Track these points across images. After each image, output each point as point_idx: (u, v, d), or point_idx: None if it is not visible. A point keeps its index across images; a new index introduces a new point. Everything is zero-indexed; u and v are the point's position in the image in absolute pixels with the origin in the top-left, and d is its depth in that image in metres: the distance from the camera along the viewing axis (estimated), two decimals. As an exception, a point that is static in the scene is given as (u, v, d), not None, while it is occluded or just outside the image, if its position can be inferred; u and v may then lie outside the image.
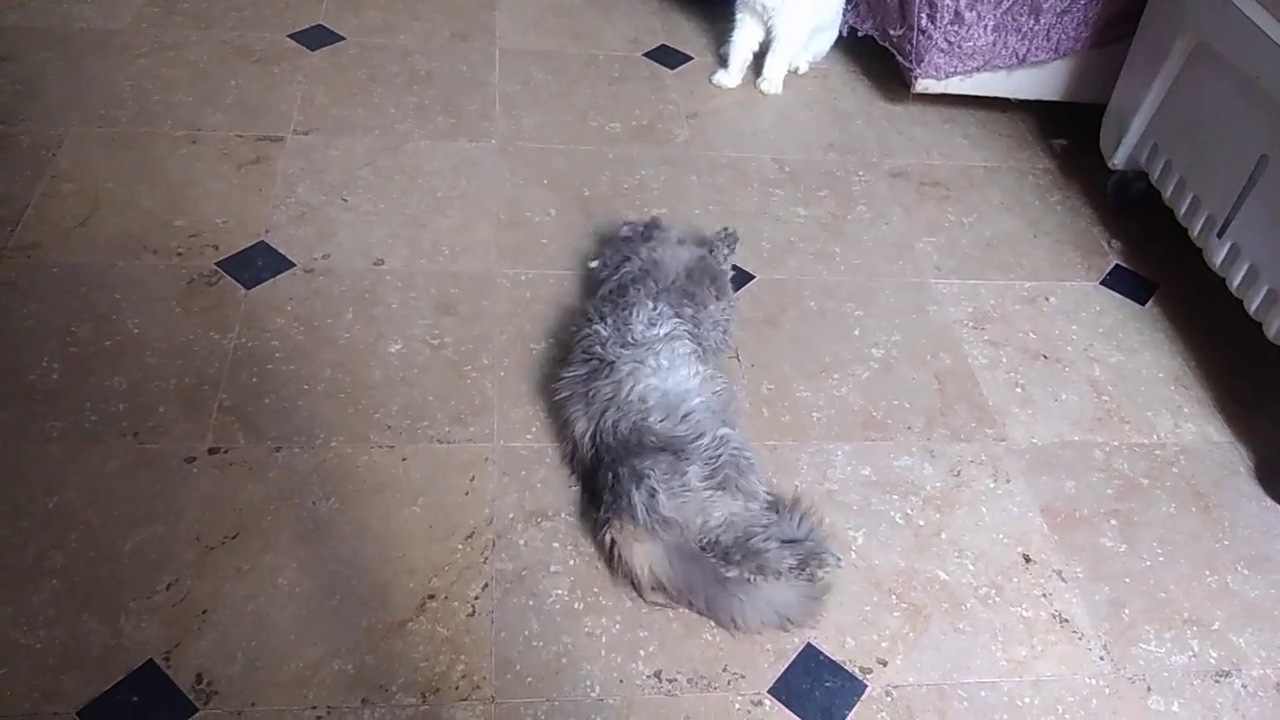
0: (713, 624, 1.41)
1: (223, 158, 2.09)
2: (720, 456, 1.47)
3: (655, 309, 1.65)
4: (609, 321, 1.63)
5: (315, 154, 2.14)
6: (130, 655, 1.29)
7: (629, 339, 1.60)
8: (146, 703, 1.25)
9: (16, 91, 2.19)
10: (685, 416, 1.51)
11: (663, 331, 1.62)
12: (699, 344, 1.64)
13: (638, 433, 1.48)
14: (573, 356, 1.63)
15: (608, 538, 1.42)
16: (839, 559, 1.44)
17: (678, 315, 1.65)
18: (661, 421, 1.49)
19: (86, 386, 1.61)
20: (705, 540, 1.42)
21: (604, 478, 1.47)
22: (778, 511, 1.50)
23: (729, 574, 1.40)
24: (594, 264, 1.86)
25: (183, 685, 1.27)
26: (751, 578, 1.40)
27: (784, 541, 1.42)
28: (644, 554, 1.40)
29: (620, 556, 1.41)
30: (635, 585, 1.42)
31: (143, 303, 1.76)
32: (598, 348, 1.60)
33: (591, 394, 1.55)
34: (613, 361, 1.57)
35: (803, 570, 1.41)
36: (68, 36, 2.38)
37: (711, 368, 1.64)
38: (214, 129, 2.17)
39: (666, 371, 1.57)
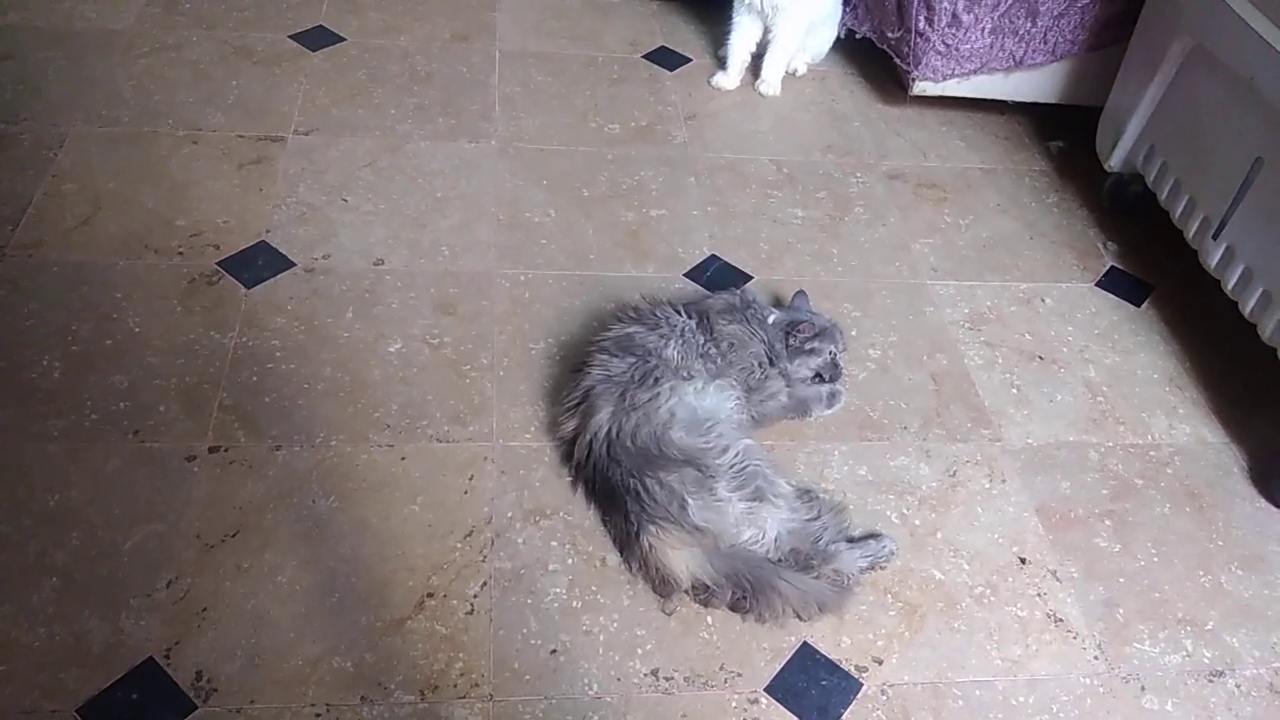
0: (710, 621, 1.42)
1: (224, 158, 2.10)
2: (745, 469, 1.49)
3: (720, 366, 1.64)
4: (681, 348, 1.61)
5: (316, 154, 2.15)
6: (130, 653, 1.30)
7: (684, 374, 1.59)
8: (146, 700, 1.26)
9: (18, 90, 2.20)
10: (709, 428, 1.52)
11: (713, 385, 1.60)
12: (744, 397, 1.64)
13: (657, 443, 1.49)
14: (622, 342, 1.60)
15: (646, 543, 1.43)
16: (896, 549, 1.53)
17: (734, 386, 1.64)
18: (682, 434, 1.50)
19: (87, 385, 1.61)
20: (779, 554, 1.46)
21: (624, 484, 1.47)
22: (811, 499, 1.54)
23: (810, 576, 1.45)
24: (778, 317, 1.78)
25: (182, 683, 1.28)
26: (820, 572, 1.46)
27: (850, 541, 1.51)
28: (683, 559, 1.42)
29: (658, 561, 1.43)
30: (665, 586, 1.43)
31: (144, 302, 1.77)
32: (655, 361, 1.58)
33: (626, 394, 1.54)
34: (659, 378, 1.56)
35: (871, 569, 1.50)
36: (70, 36, 2.39)
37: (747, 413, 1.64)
38: (215, 129, 2.17)
39: (707, 395, 1.57)
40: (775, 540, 1.46)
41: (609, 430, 1.52)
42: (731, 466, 1.48)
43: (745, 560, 1.43)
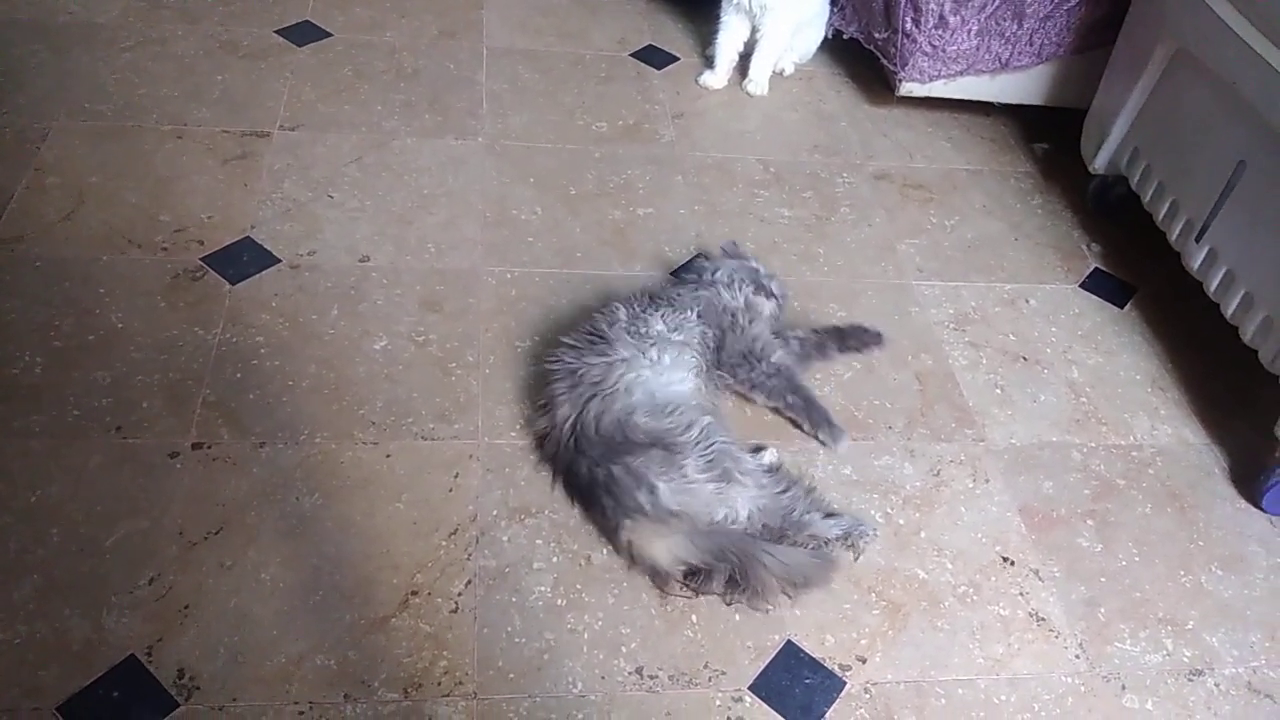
0: (694, 620, 1.42)
1: (209, 153, 2.09)
2: (712, 446, 1.48)
3: (682, 316, 1.65)
4: (633, 309, 1.65)
5: (302, 150, 2.14)
6: (112, 650, 1.29)
7: (640, 331, 1.61)
8: (128, 698, 1.25)
9: (0, 84, 2.18)
10: (671, 410, 1.51)
11: (676, 337, 1.62)
12: (703, 364, 1.65)
13: (622, 429, 1.49)
14: (575, 334, 1.64)
15: (624, 538, 1.44)
16: (875, 531, 1.54)
17: (691, 334, 1.65)
18: (646, 419, 1.50)
19: (69, 381, 1.60)
20: (753, 531, 1.47)
21: (593, 475, 1.47)
22: (780, 474, 1.56)
23: (786, 546, 1.45)
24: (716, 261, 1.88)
25: (164, 680, 1.27)
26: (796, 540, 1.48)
27: (825, 514, 1.52)
28: (664, 547, 1.42)
29: (639, 555, 1.43)
30: (659, 578, 1.44)
31: (127, 297, 1.75)
32: (605, 326, 1.61)
33: (581, 371, 1.55)
34: (613, 341, 1.58)
35: (845, 539, 1.51)
36: (53, 29, 2.37)
37: (707, 388, 1.65)
38: (200, 124, 2.16)
39: (663, 369, 1.58)
40: (748, 518, 1.46)
41: (573, 420, 1.52)
42: (697, 444, 1.48)
43: (727, 535, 1.43)
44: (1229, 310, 1.79)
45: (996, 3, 2.23)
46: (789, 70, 2.63)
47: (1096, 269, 2.17)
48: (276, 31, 2.48)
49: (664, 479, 1.44)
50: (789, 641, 1.42)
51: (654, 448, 1.47)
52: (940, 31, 2.27)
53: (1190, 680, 1.45)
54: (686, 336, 1.64)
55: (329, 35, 2.50)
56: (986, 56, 2.32)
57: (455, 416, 1.65)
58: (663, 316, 1.64)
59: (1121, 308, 2.08)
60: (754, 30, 2.49)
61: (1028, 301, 2.06)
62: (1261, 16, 1.68)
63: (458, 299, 1.86)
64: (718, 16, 2.51)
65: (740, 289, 1.76)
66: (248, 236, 1.91)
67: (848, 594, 1.48)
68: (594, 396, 1.52)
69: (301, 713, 1.26)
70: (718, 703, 1.34)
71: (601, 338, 1.59)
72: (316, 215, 1.99)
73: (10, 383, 1.59)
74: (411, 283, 1.87)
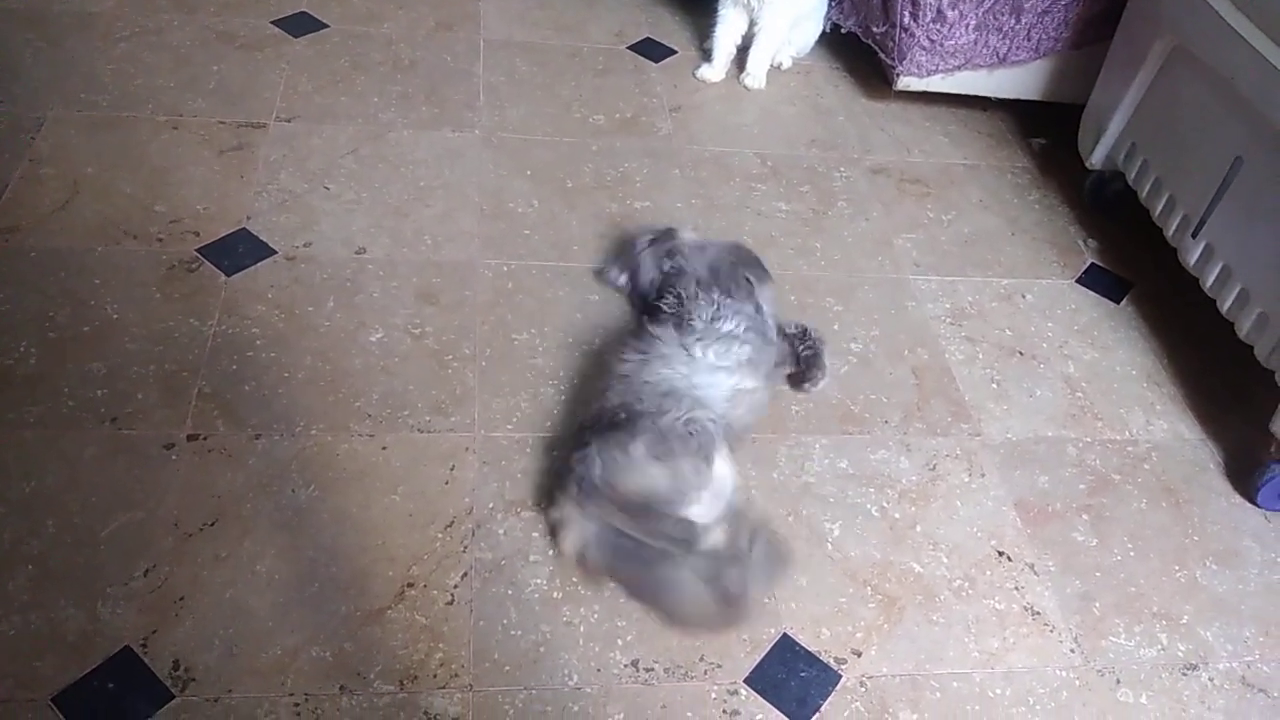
0: (690, 614, 1.42)
1: (204, 144, 2.08)
2: (670, 435, 1.41)
3: (716, 306, 1.61)
4: (684, 303, 1.62)
5: (298, 141, 2.13)
6: (107, 641, 1.29)
7: (689, 324, 1.58)
8: (123, 689, 1.25)
9: (-5, 74, 2.18)
10: (665, 394, 1.46)
11: (725, 328, 1.57)
12: (759, 350, 1.58)
13: (612, 412, 1.45)
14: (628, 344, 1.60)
15: (551, 517, 1.43)
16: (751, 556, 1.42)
17: (740, 313, 1.59)
18: (640, 403, 1.45)
19: (64, 372, 1.60)
20: (627, 506, 1.39)
21: (559, 463, 1.48)
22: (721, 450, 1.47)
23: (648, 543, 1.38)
24: (615, 277, 1.88)
25: (159, 672, 1.27)
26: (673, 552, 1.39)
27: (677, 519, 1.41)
28: (574, 534, 1.39)
29: (557, 538, 1.42)
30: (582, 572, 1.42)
31: (122, 288, 1.75)
32: (656, 325, 1.59)
33: (614, 365, 1.53)
34: (657, 337, 1.56)
35: (678, 543, 1.38)
36: (48, 18, 2.36)
37: (761, 383, 1.58)
38: (196, 114, 2.15)
39: (700, 366, 1.52)
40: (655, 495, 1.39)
41: (594, 411, 1.50)
42: (666, 431, 1.40)
43: (643, 566, 1.38)
44: (1225, 306, 1.79)
45: (994, -3, 2.23)
46: (786, 64, 2.63)
47: (1093, 264, 2.17)
48: (273, 22, 2.48)
49: (603, 454, 1.39)
50: (784, 635, 1.42)
51: (617, 429, 1.41)
52: (938, 26, 2.26)
53: (1184, 675, 1.45)
54: (735, 326, 1.58)
55: (325, 26, 2.49)
56: (984, 51, 2.32)
57: (451, 409, 1.64)
58: (701, 314, 1.59)
59: (1118, 303, 2.08)
60: (752, 24, 2.48)
61: (1024, 296, 2.06)
62: (1259, 12, 1.68)
63: (454, 291, 1.85)
64: (715, 10, 2.50)
65: (672, 257, 1.75)
66: (243, 228, 1.91)
67: (843, 587, 1.49)
68: (613, 388, 1.50)
69: (297, 704, 1.26)
70: (713, 695, 1.34)
71: (652, 335, 1.56)
72: (312, 207, 1.98)
73: (5, 373, 1.59)
74: (408, 275, 1.87)
